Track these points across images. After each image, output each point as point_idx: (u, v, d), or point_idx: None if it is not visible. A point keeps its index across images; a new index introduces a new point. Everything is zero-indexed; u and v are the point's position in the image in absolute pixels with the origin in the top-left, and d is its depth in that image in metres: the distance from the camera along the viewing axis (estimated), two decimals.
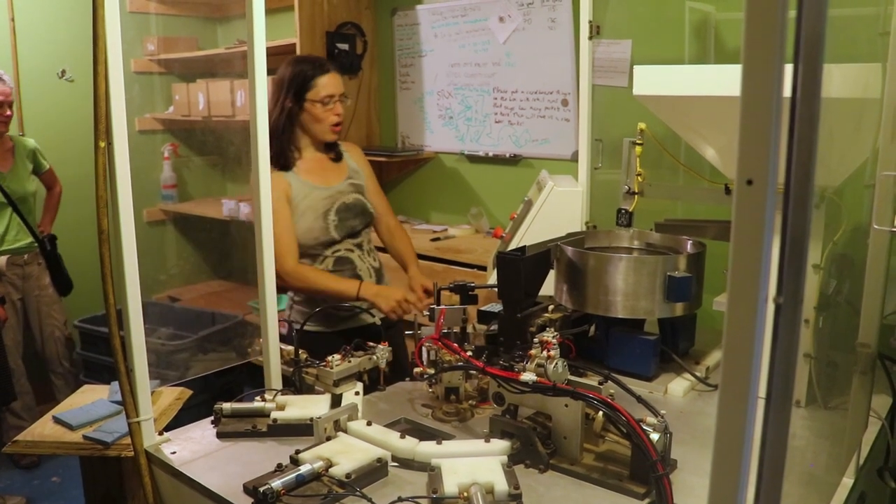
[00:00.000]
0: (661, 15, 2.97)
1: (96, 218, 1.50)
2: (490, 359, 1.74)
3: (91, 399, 2.16)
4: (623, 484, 1.40)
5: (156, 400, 1.98)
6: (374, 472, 1.43)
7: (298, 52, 3.71)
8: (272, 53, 1.82)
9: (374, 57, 4.12)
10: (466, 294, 1.98)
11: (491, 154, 3.73)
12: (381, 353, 1.87)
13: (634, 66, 1.92)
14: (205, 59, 4.63)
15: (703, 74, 1.84)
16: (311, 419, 1.59)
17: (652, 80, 1.88)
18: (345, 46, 3.90)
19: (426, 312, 1.91)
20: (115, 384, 2.03)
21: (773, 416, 0.70)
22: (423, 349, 1.79)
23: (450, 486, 1.33)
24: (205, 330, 3.93)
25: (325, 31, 3.85)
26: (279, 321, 1.89)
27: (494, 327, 1.94)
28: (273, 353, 1.86)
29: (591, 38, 2.55)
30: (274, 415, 1.67)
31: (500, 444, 1.49)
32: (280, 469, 1.41)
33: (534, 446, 1.49)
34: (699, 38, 2.86)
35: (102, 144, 1.48)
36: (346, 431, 1.58)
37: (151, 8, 4.66)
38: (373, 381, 1.90)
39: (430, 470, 1.42)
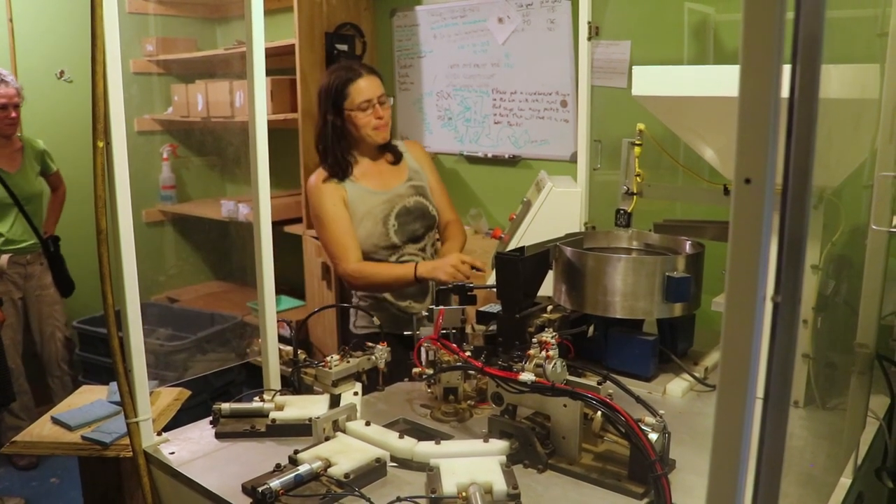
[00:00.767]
0: (659, 16, 2.97)
1: (95, 218, 1.50)
2: (489, 359, 1.74)
3: (89, 399, 2.16)
4: (622, 484, 1.41)
5: (154, 400, 1.98)
6: (373, 472, 1.43)
7: (297, 52, 3.71)
8: (271, 54, 1.83)
9: (373, 58, 4.12)
10: (465, 294, 1.98)
11: (490, 155, 3.73)
12: (380, 353, 1.87)
13: (633, 67, 1.92)
14: (204, 59, 4.63)
15: (702, 75, 1.84)
16: (310, 419, 1.59)
17: (651, 81, 1.88)
18: (344, 47, 3.90)
19: (425, 312, 1.91)
20: (114, 385, 2.03)
21: (771, 416, 0.70)
22: (422, 349, 1.79)
23: (448, 486, 1.33)
24: (203, 331, 3.93)
25: (325, 31, 3.84)
26: (278, 322, 1.89)
27: (493, 328, 1.94)
28: (272, 353, 1.86)
29: (590, 38, 2.56)
30: (273, 415, 1.67)
31: (499, 444, 1.49)
32: (279, 469, 1.41)
33: (532, 446, 1.49)
34: (698, 39, 2.87)
35: (101, 144, 1.48)
36: (344, 431, 1.58)
37: (150, 9, 4.66)
38: (371, 382, 1.90)
39: (429, 470, 1.42)
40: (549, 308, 1.99)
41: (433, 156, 3.95)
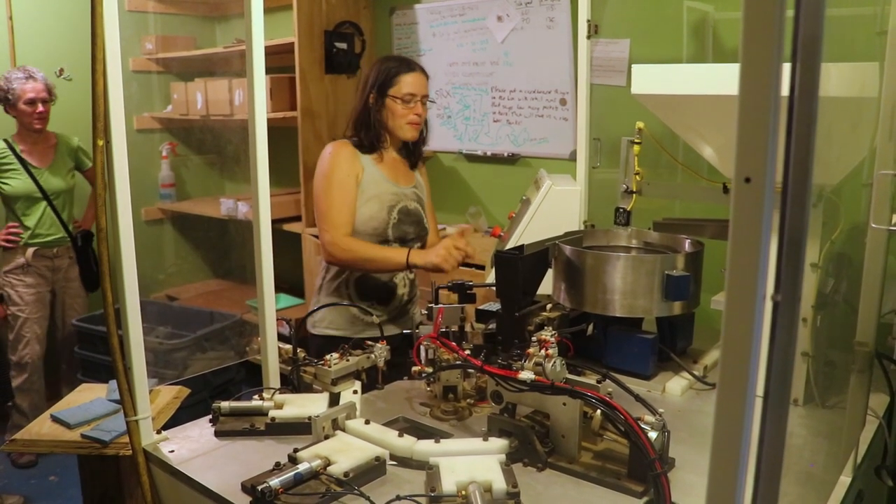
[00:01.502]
0: (659, 14, 2.97)
1: (95, 216, 1.50)
2: (488, 357, 1.74)
3: (89, 398, 2.16)
4: (621, 482, 1.41)
5: (154, 398, 1.98)
6: (372, 470, 1.43)
7: (297, 51, 3.71)
8: (270, 52, 1.82)
9: (372, 56, 4.11)
10: (464, 293, 1.98)
11: (489, 153, 3.73)
12: (380, 351, 1.87)
13: (633, 65, 1.92)
14: (203, 58, 4.63)
15: (702, 73, 1.84)
16: (310, 418, 1.59)
17: (650, 79, 1.88)
18: (343, 45, 3.89)
19: (424, 311, 1.91)
20: (114, 383, 2.03)
21: (771, 414, 0.70)
22: (422, 348, 1.79)
23: (448, 485, 1.33)
24: (203, 329, 3.93)
25: (324, 30, 3.84)
26: (278, 320, 1.89)
27: (493, 326, 1.94)
28: (271, 351, 1.86)
29: (589, 37, 2.56)
30: (272, 413, 1.67)
31: (499, 443, 1.49)
32: (278, 467, 1.41)
33: (532, 445, 1.49)
34: (697, 38, 2.86)
35: (101, 143, 1.48)
36: (344, 430, 1.58)
37: (150, 7, 4.66)
38: (371, 380, 1.90)
39: (429, 468, 1.42)
40: (549, 306, 1.99)
41: (431, 154, 3.96)
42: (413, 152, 2.61)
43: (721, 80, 1.67)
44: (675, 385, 1.88)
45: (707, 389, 1.90)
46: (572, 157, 3.10)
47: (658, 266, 1.85)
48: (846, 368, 1.60)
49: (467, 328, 1.93)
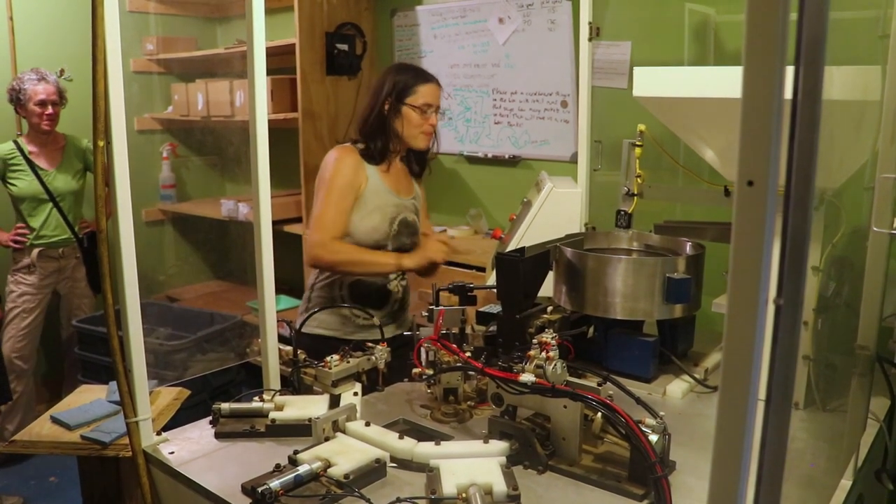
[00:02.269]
0: (660, 17, 2.97)
1: (95, 217, 1.50)
2: (489, 360, 1.74)
3: (89, 399, 2.16)
4: (622, 485, 1.40)
5: (154, 400, 1.98)
6: (373, 472, 1.43)
7: (298, 52, 3.71)
8: (271, 54, 1.82)
9: (373, 58, 4.12)
10: (465, 295, 1.98)
11: (490, 155, 3.73)
12: (380, 353, 1.87)
13: (635, 68, 1.92)
14: (204, 59, 4.63)
15: (703, 76, 1.84)
16: (310, 420, 1.59)
17: (652, 82, 1.88)
18: (344, 47, 3.89)
19: (424, 313, 1.91)
20: (114, 384, 2.03)
21: (773, 417, 0.70)
22: (422, 350, 1.79)
23: (448, 487, 1.33)
24: (203, 330, 3.93)
25: (325, 31, 3.84)
26: (278, 321, 1.89)
27: (493, 328, 1.94)
28: (272, 353, 1.86)
29: (590, 39, 2.55)
30: (272, 415, 1.67)
31: (499, 445, 1.49)
32: (278, 469, 1.40)
33: (532, 447, 1.49)
34: (699, 40, 2.86)
35: (101, 144, 1.47)
36: (344, 432, 1.58)
37: (150, 7, 4.66)
38: (371, 382, 1.90)
39: (429, 471, 1.41)
40: (550, 309, 1.99)
41: (432, 156, 3.96)
42: (420, 162, 2.62)
43: (723, 82, 1.67)
44: (676, 388, 1.88)
45: (708, 392, 1.89)
46: (573, 160, 3.10)
47: (659, 269, 1.85)
48: (847, 372, 1.60)
49: (468, 330, 1.93)
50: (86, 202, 4.06)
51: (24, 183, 3.75)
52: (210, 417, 1.73)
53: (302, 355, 1.86)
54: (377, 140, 2.46)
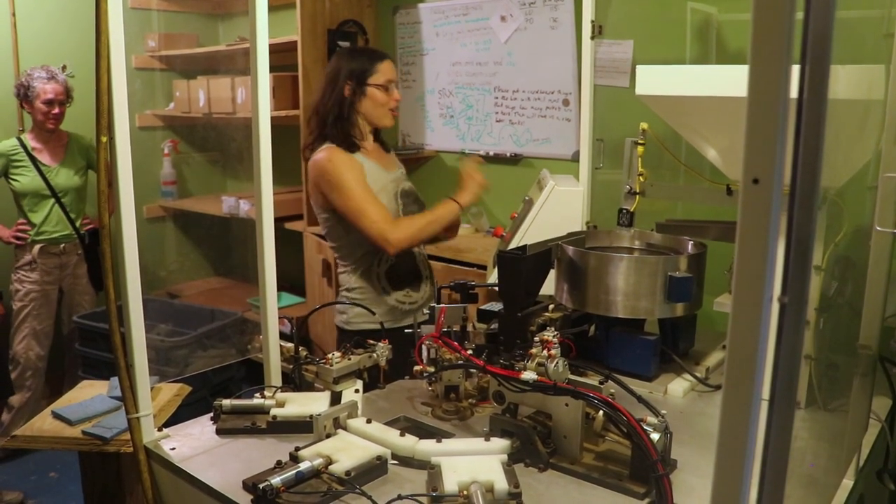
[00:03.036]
0: (663, 15, 2.97)
1: (97, 213, 1.50)
2: (490, 357, 1.74)
3: (90, 395, 2.16)
4: (623, 483, 1.40)
5: (155, 396, 1.98)
6: (374, 469, 1.43)
7: (300, 49, 3.71)
8: (274, 51, 1.82)
9: None
10: (467, 293, 1.98)
11: (492, 153, 3.73)
12: (382, 350, 1.87)
13: (637, 66, 1.91)
14: (206, 55, 4.63)
15: (706, 75, 1.84)
16: (311, 416, 1.59)
17: (654, 80, 1.88)
18: (346, 44, 3.89)
19: (426, 311, 1.91)
20: (115, 380, 2.03)
21: (777, 417, 0.69)
22: (424, 347, 1.79)
23: (449, 485, 1.33)
24: (204, 327, 3.93)
25: (327, 28, 3.84)
26: (279, 318, 1.89)
27: (495, 326, 1.93)
28: (273, 349, 1.86)
29: (592, 37, 2.55)
30: (273, 412, 1.67)
31: (500, 443, 1.49)
32: (280, 466, 1.41)
33: (534, 445, 1.49)
34: (701, 39, 2.86)
35: (104, 140, 1.47)
36: (345, 429, 1.58)
37: (153, 4, 4.66)
38: (373, 379, 1.90)
39: (430, 468, 1.41)
40: (551, 307, 1.99)
41: (434, 154, 3.96)
42: (380, 137, 2.64)
43: (725, 81, 1.66)
44: (678, 387, 1.88)
45: (709, 391, 1.89)
46: (575, 158, 3.10)
47: (661, 267, 1.85)
48: (849, 371, 1.60)
49: (469, 328, 1.93)
50: (88, 199, 4.06)
51: (26, 179, 3.76)
52: (211, 414, 1.73)
53: (303, 352, 1.86)
54: (346, 128, 2.47)
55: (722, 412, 0.70)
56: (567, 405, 1.48)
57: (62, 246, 3.91)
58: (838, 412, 1.78)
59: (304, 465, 1.38)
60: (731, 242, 0.67)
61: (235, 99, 4.17)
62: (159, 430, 1.68)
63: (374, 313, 2.32)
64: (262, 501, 1.32)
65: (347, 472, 1.38)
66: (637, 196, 2.18)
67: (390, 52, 4.09)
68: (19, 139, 3.80)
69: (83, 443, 1.92)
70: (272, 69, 1.83)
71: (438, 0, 3.83)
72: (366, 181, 2.41)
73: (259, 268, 1.83)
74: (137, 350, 1.58)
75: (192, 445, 1.62)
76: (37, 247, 3.83)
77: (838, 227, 1.74)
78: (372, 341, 1.90)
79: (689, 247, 2.05)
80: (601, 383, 1.53)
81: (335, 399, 1.74)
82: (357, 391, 1.79)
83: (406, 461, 1.49)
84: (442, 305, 1.85)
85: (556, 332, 1.62)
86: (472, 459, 1.42)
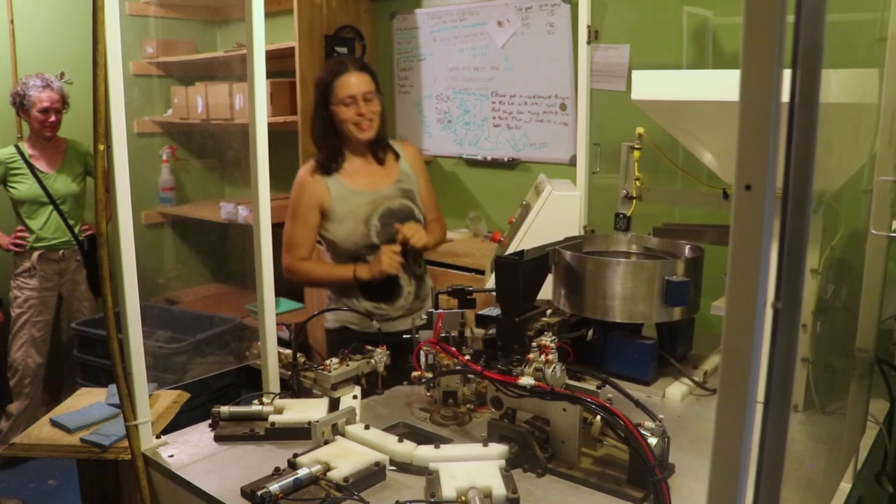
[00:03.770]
0: (659, 20, 2.97)
1: (95, 220, 1.50)
2: (488, 363, 1.74)
3: (88, 402, 2.16)
4: (621, 488, 1.40)
5: (153, 403, 1.98)
6: (372, 475, 1.43)
7: (297, 55, 3.72)
8: (271, 57, 1.83)
9: (372, 61, 4.12)
10: (464, 298, 1.98)
11: (489, 158, 3.73)
12: (380, 356, 1.87)
13: (633, 71, 1.92)
14: (203, 62, 4.63)
15: (702, 79, 1.84)
16: (309, 423, 1.59)
17: (650, 85, 1.88)
18: (343, 50, 3.90)
19: (424, 316, 1.91)
20: (113, 387, 2.03)
21: (772, 420, 0.70)
22: (421, 353, 1.79)
23: (448, 490, 1.33)
24: (203, 333, 3.93)
25: (324, 34, 3.85)
26: (277, 324, 1.89)
27: (492, 331, 1.94)
28: (271, 356, 1.86)
29: (589, 42, 2.56)
30: (272, 418, 1.67)
31: (498, 448, 1.49)
32: (278, 473, 1.41)
33: (532, 450, 1.49)
34: (697, 43, 2.87)
35: (102, 147, 1.48)
36: (343, 435, 1.58)
37: (150, 11, 4.67)
38: (371, 385, 1.90)
39: (428, 474, 1.41)
40: (549, 312, 1.99)
41: (431, 159, 3.96)
42: (381, 146, 2.58)
43: (721, 85, 1.67)
44: (675, 391, 1.88)
45: (707, 395, 1.90)
46: (572, 163, 3.10)
47: (658, 271, 1.85)
48: (846, 374, 1.60)
49: (467, 333, 1.93)
50: (87, 205, 4.07)
51: (24, 186, 3.77)
52: (209, 420, 1.73)
53: (301, 358, 1.86)
54: (329, 147, 2.49)
55: (717, 415, 0.70)
56: (565, 410, 1.48)
57: (61, 252, 3.91)
58: (836, 415, 1.79)
59: (302, 472, 1.39)
60: (728, 246, 0.67)
61: (233, 105, 4.18)
62: (157, 437, 1.68)
63: (372, 319, 2.33)
64: None
65: (345, 479, 1.38)
66: (634, 200, 2.19)
67: (387, 57, 4.10)
68: (17, 147, 3.80)
69: (81, 450, 1.92)
70: (269, 75, 1.83)
71: (435, 6, 3.84)
72: (318, 208, 2.46)
73: (257, 274, 1.83)
74: (135, 357, 1.58)
75: (191, 452, 1.62)
76: (35, 253, 3.83)
77: (834, 230, 1.74)
78: (370, 347, 1.90)
79: (686, 251, 2.05)
80: (599, 388, 1.53)
81: (333, 405, 1.74)
82: (355, 397, 1.79)
83: (404, 467, 1.49)
84: (440, 311, 1.85)
85: (553, 337, 1.62)
86: (471, 465, 1.42)
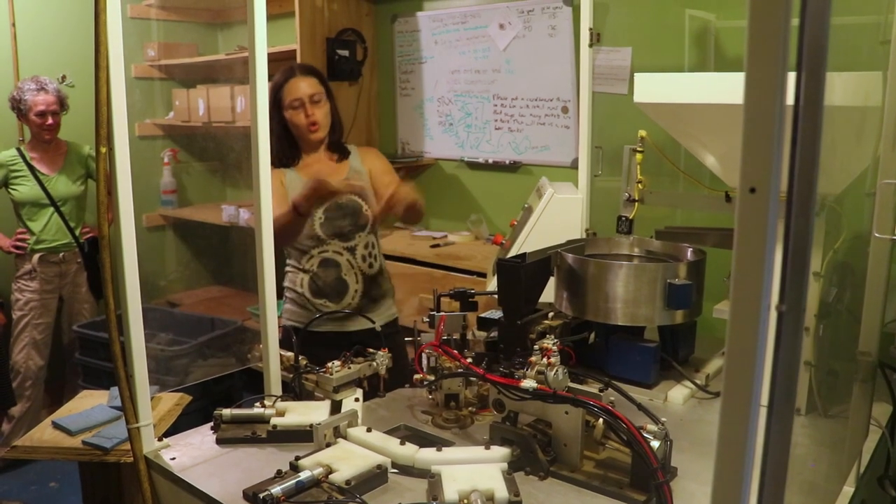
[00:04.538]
0: (661, 23, 2.98)
1: (97, 223, 1.50)
2: (490, 366, 1.74)
3: (90, 404, 2.16)
4: (623, 491, 1.40)
5: (155, 405, 1.98)
6: (374, 478, 1.43)
7: (298, 58, 3.72)
8: (273, 59, 1.83)
9: (374, 63, 4.13)
10: (466, 301, 1.98)
11: (491, 161, 3.73)
12: (381, 359, 1.87)
13: (635, 74, 1.92)
14: (205, 64, 4.64)
15: (704, 82, 1.84)
16: (311, 425, 1.59)
17: (653, 88, 1.88)
18: (345, 53, 3.90)
19: (426, 319, 1.91)
20: (115, 389, 2.03)
21: (776, 423, 0.70)
22: (423, 356, 1.79)
23: (450, 493, 1.33)
24: (204, 336, 3.93)
25: (326, 37, 3.85)
26: (279, 327, 1.89)
27: (494, 334, 1.93)
28: (273, 358, 1.86)
29: (591, 45, 2.56)
30: (274, 421, 1.67)
31: (501, 451, 1.48)
32: (280, 475, 1.40)
33: (534, 453, 1.48)
34: (699, 46, 2.87)
35: (104, 150, 1.47)
36: (345, 438, 1.58)
37: (152, 13, 4.67)
38: (373, 388, 1.90)
39: (430, 477, 1.41)
40: (551, 315, 1.99)
41: (433, 162, 3.96)
42: (338, 149, 2.69)
43: (723, 88, 1.67)
44: (678, 394, 1.88)
45: (709, 398, 1.89)
46: (574, 165, 3.10)
47: (660, 275, 1.85)
48: (849, 378, 1.60)
49: (469, 336, 1.92)
50: (88, 207, 4.07)
51: (25, 188, 3.78)
52: (211, 423, 1.73)
53: (303, 361, 1.86)
54: (281, 146, 2.57)
55: (721, 418, 0.70)
56: (567, 413, 1.48)
57: (61, 255, 3.91)
58: (839, 418, 1.78)
59: (304, 475, 1.38)
60: (731, 249, 0.67)
61: (235, 108, 4.18)
62: (159, 439, 1.68)
63: (373, 321, 2.34)
64: None
65: (347, 482, 1.37)
66: (636, 203, 2.19)
67: (388, 60, 4.11)
68: (18, 150, 3.81)
69: (83, 453, 1.92)
70: (271, 78, 1.83)
71: (437, 8, 3.84)
72: (282, 198, 2.47)
73: (258, 276, 1.83)
74: (137, 359, 1.58)
75: (193, 455, 1.62)
76: (36, 256, 3.84)
77: (837, 233, 1.74)
78: (371, 350, 1.90)
79: (689, 254, 2.05)
80: (601, 391, 1.53)
81: (335, 408, 1.74)
82: (357, 400, 1.79)
83: (406, 470, 1.49)
84: (441, 314, 1.85)
85: (555, 340, 1.62)
86: (473, 468, 1.42)
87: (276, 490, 1.33)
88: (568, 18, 3.29)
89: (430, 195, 4.07)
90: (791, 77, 0.64)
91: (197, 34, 4.93)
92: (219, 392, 3.75)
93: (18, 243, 3.82)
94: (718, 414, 0.70)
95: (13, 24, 4.17)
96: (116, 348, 1.56)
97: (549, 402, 1.48)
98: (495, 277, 1.97)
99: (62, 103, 3.82)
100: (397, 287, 2.85)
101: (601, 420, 1.42)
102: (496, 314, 2.00)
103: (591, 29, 2.54)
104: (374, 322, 2.35)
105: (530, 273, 1.92)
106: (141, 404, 1.60)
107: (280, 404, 1.74)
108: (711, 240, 2.14)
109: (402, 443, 1.53)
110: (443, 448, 1.51)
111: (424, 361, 1.79)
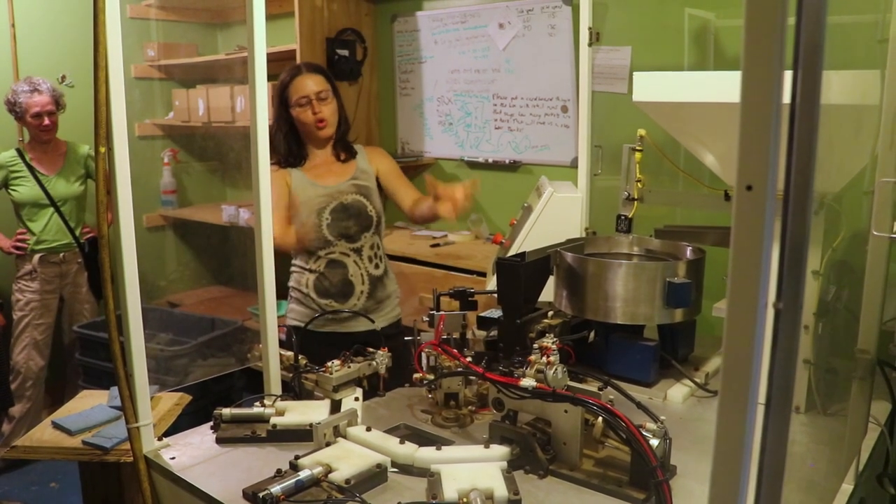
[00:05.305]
0: (660, 22, 2.98)
1: (97, 223, 1.50)
2: (490, 364, 1.74)
3: (90, 404, 2.16)
4: (623, 490, 1.40)
5: (155, 405, 1.98)
6: (374, 477, 1.43)
7: (298, 58, 3.72)
8: (272, 59, 1.83)
9: (373, 63, 4.13)
10: (466, 300, 1.98)
11: (490, 160, 3.73)
12: (381, 358, 1.87)
13: (634, 73, 1.92)
14: (205, 64, 4.63)
15: (703, 81, 1.84)
16: (311, 425, 1.59)
17: (652, 87, 1.88)
18: (345, 52, 3.90)
19: (425, 318, 1.91)
20: (115, 389, 2.03)
21: (773, 421, 0.70)
22: (423, 355, 1.79)
23: (449, 492, 1.33)
24: (204, 335, 3.93)
25: (325, 37, 3.85)
26: (279, 327, 1.89)
27: (494, 333, 1.94)
28: (273, 358, 1.86)
29: (590, 44, 2.56)
30: (273, 420, 1.67)
31: (500, 450, 1.49)
32: (279, 474, 1.41)
33: (533, 452, 1.49)
34: (698, 45, 2.87)
35: (103, 150, 1.48)
36: (345, 437, 1.58)
37: (152, 14, 4.67)
38: (373, 387, 1.90)
39: (430, 476, 1.41)
40: (550, 313, 1.99)
41: (433, 161, 3.96)
42: (344, 149, 2.70)
43: (723, 87, 1.67)
44: (677, 392, 1.88)
45: (708, 397, 1.89)
46: (574, 165, 3.10)
47: (659, 273, 1.85)
48: (848, 376, 1.60)
49: (469, 335, 1.93)
50: (88, 207, 4.07)
51: (25, 189, 3.78)
52: (211, 423, 1.73)
53: (303, 360, 1.86)
54: (281, 147, 2.59)
55: (718, 417, 0.70)
56: (566, 412, 1.48)
57: (62, 255, 3.91)
58: (837, 416, 1.79)
59: (303, 474, 1.39)
60: (730, 248, 0.67)
61: (235, 108, 4.18)
62: (159, 439, 1.68)
63: (372, 321, 2.35)
64: None
65: (347, 481, 1.38)
66: (635, 202, 2.19)
67: (388, 60, 4.11)
68: (17, 150, 3.81)
69: (83, 453, 1.92)
70: (271, 78, 1.84)
71: (437, 8, 3.84)
72: (285, 199, 2.54)
73: (258, 276, 1.83)
74: (137, 359, 1.58)
75: (193, 454, 1.62)
76: (36, 256, 3.84)
77: (836, 231, 1.74)
78: (371, 349, 1.90)
79: (688, 252, 2.05)
80: (600, 389, 1.53)
81: (335, 407, 1.74)
82: (357, 399, 1.79)
83: (406, 469, 1.49)
84: (441, 313, 1.85)
85: (555, 339, 1.62)
86: (472, 467, 1.42)
87: (276, 489, 1.33)
88: (567, 18, 3.29)
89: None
90: (787, 75, 0.64)
91: (196, 34, 4.93)
92: (218, 392, 3.75)
93: (19, 244, 3.82)
94: (716, 412, 0.70)
95: (13, 25, 4.16)
96: (116, 348, 1.56)
97: (549, 400, 1.48)
98: (495, 276, 1.97)
99: (58, 103, 3.81)
100: (407, 289, 2.86)
101: (600, 419, 1.42)
102: (496, 313, 2.00)
103: (590, 28, 2.54)
104: (373, 321, 2.36)
105: (530, 272, 1.92)
106: (141, 404, 1.60)
107: (280, 404, 1.75)
108: (711, 238, 2.14)
109: (402, 442, 1.53)
110: (442, 447, 1.51)
111: (424, 360, 1.79)
